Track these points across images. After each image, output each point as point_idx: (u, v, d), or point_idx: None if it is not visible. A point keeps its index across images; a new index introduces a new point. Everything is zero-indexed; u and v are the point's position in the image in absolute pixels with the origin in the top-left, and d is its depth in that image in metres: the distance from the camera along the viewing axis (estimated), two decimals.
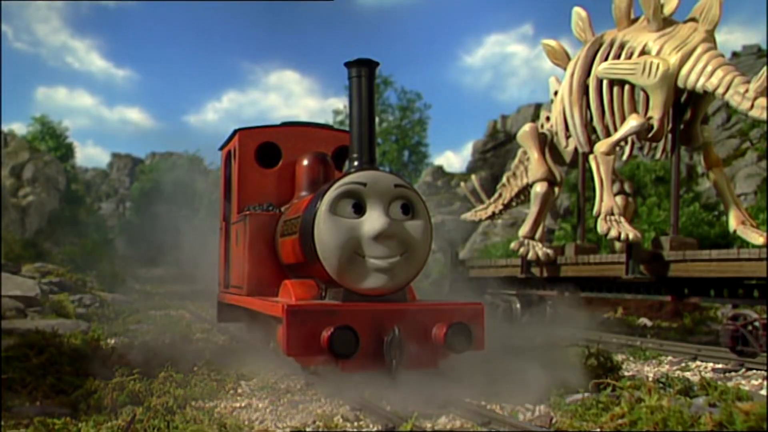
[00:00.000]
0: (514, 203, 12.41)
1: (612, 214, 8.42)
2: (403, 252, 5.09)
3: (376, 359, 4.78)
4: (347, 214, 5.05)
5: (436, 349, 4.99)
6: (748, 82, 7.35)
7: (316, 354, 4.74)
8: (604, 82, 8.92)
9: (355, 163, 5.34)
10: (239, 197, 7.14)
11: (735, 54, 27.02)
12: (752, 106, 7.25)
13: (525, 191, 11.69)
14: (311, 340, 4.66)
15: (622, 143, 9.03)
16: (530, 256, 9.93)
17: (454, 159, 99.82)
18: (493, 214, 12.71)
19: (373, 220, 5.00)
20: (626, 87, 8.65)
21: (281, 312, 4.75)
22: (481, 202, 13.13)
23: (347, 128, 5.92)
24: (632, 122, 8.35)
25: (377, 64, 5.39)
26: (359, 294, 5.07)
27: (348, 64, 5.40)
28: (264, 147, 7.26)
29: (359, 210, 5.07)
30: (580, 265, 9.37)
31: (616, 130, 8.71)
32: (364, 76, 5.34)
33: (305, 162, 6.74)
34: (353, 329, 4.63)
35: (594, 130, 9.34)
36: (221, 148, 8.33)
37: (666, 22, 8.44)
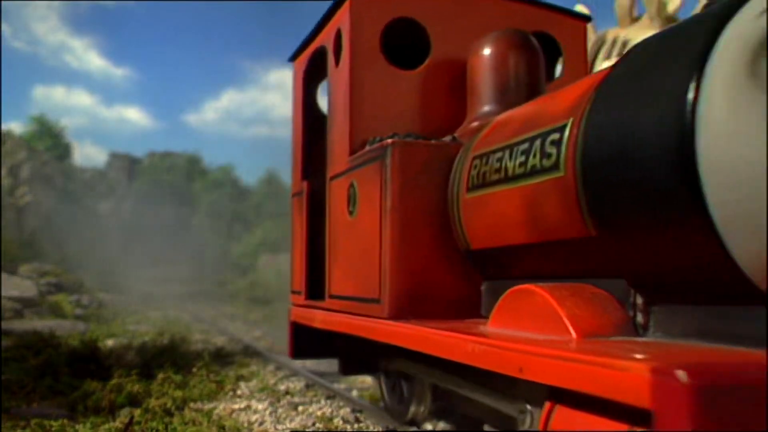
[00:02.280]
0: None
1: None
2: None
3: None
4: None
5: None
6: None
7: None
8: None
9: None
10: (353, 122, 3.71)
11: None
12: None
13: None
14: None
15: None
16: None
17: None
18: None
19: None
20: None
21: (654, 396, 1.40)
22: None
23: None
24: None
25: None
26: None
27: None
28: (396, 29, 3.89)
29: None
30: None
31: None
32: None
33: (486, 51, 3.51)
34: None
35: None
36: (297, 54, 4.97)
37: (669, 21, 8.41)
